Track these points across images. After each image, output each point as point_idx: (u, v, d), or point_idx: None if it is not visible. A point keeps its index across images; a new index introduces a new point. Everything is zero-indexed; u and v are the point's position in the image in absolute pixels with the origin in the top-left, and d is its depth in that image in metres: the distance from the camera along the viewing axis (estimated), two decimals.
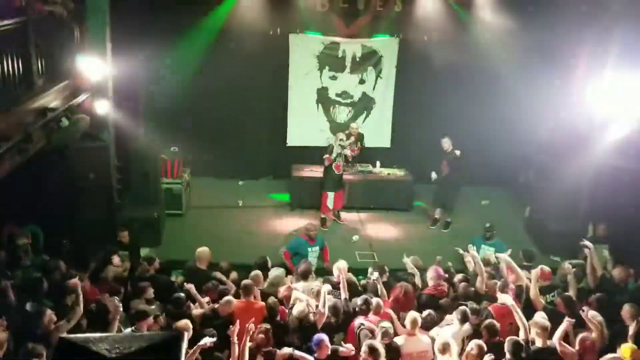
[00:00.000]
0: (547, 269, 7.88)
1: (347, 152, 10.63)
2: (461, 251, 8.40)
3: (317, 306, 6.56)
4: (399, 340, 6.12)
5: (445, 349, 5.75)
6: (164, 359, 2.11)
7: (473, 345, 5.77)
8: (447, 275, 7.75)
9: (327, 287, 6.79)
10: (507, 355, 5.69)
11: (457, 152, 10.46)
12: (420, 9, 11.58)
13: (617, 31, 9.67)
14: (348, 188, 11.26)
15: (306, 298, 6.70)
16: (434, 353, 5.96)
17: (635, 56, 9.48)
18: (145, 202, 9.83)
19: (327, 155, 10.47)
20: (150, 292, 6.73)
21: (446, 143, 10.59)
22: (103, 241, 8.80)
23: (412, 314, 6.31)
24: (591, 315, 6.27)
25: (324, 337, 5.78)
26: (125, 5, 9.72)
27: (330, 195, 10.68)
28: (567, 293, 7.13)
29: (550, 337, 6.05)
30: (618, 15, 9.55)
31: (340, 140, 10.55)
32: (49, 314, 5.79)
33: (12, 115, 6.44)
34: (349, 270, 7.67)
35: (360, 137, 11.65)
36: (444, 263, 8.43)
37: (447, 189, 10.80)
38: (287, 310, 6.65)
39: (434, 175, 10.75)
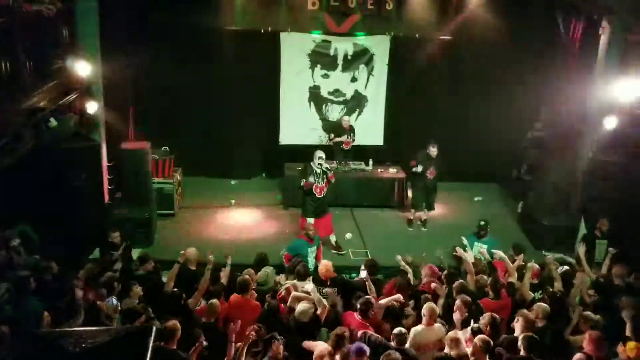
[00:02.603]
0: (536, 266, 7.91)
1: (328, 171, 9.54)
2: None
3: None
4: (417, 330, 6.08)
5: (455, 344, 5.74)
6: (128, 352, 2.06)
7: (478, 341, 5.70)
8: (440, 273, 7.73)
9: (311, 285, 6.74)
10: (522, 352, 5.68)
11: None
12: (411, 7, 11.56)
13: (608, 28, 9.71)
14: (341, 185, 11.03)
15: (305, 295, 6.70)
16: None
17: (624, 52, 9.56)
18: (136, 202, 9.75)
19: (305, 181, 9.56)
20: (137, 291, 6.67)
21: (435, 149, 10.40)
22: (94, 242, 8.79)
23: (430, 305, 6.25)
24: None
25: (365, 347, 5.52)
26: (115, 4, 9.69)
27: (310, 221, 9.46)
28: (553, 290, 7.14)
29: None
30: (608, 13, 9.57)
31: (320, 158, 9.53)
32: (46, 315, 5.79)
33: (0, 115, 6.39)
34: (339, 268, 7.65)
35: (351, 130, 11.69)
36: (435, 260, 8.40)
37: (432, 191, 10.76)
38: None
39: (419, 168, 10.39)
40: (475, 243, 9.03)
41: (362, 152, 12.10)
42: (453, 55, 11.97)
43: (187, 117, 11.92)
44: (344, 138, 11.63)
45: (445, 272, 7.62)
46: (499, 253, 7.96)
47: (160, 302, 6.64)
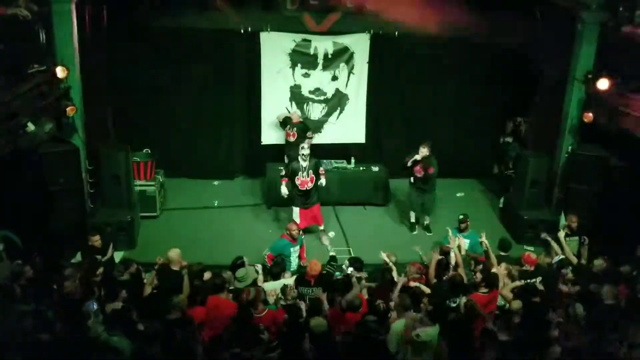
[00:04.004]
0: (533, 255, 8.05)
1: (315, 163, 9.81)
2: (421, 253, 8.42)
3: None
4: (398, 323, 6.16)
5: None
6: None
7: None
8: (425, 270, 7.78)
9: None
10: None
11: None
12: (390, 5, 11.55)
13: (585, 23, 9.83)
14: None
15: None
16: None
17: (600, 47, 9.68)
18: (117, 205, 9.70)
19: (282, 175, 9.98)
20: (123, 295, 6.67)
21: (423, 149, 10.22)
22: (76, 245, 8.74)
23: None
24: None
25: None
26: (92, 6, 9.62)
27: (296, 210, 9.94)
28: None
29: None
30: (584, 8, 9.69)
31: (301, 147, 9.85)
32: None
33: None
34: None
35: (300, 125, 11.69)
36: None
37: (425, 193, 10.58)
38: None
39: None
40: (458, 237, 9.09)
41: (344, 151, 12.13)
42: (433, 52, 11.99)
43: (168, 118, 11.89)
44: (280, 118, 11.79)
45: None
46: (485, 243, 8.04)
47: (140, 304, 6.66)
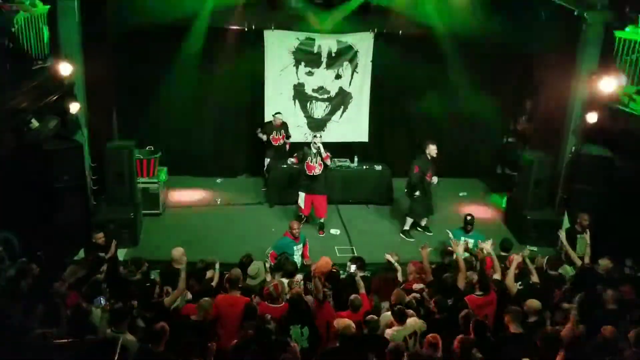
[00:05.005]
0: (520, 258, 7.98)
1: (321, 151, 10.04)
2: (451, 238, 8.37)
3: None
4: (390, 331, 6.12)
5: None
6: None
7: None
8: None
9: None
10: (472, 335, 5.71)
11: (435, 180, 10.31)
12: (395, 4, 11.53)
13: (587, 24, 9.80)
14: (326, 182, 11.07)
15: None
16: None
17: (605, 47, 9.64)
18: (121, 203, 9.69)
19: (295, 155, 10.54)
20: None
21: (435, 147, 10.20)
22: (79, 242, 8.72)
23: (398, 291, 6.52)
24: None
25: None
26: (96, 3, 9.60)
27: (301, 195, 10.33)
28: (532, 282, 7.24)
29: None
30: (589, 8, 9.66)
31: (314, 137, 10.28)
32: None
33: None
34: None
35: (283, 127, 11.67)
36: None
37: (430, 196, 10.60)
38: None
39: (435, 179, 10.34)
40: (462, 238, 9.06)
41: (347, 149, 12.12)
42: (436, 52, 11.96)
43: (172, 116, 11.86)
44: (263, 137, 11.59)
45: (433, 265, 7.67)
46: (487, 247, 7.93)
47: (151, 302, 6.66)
